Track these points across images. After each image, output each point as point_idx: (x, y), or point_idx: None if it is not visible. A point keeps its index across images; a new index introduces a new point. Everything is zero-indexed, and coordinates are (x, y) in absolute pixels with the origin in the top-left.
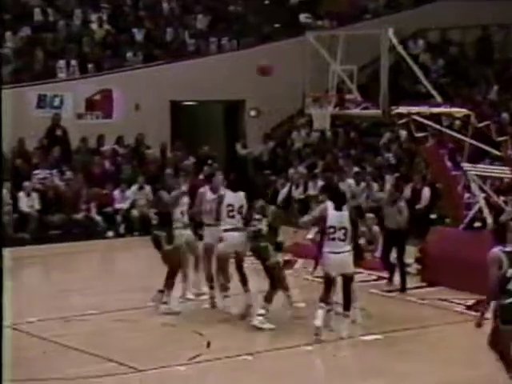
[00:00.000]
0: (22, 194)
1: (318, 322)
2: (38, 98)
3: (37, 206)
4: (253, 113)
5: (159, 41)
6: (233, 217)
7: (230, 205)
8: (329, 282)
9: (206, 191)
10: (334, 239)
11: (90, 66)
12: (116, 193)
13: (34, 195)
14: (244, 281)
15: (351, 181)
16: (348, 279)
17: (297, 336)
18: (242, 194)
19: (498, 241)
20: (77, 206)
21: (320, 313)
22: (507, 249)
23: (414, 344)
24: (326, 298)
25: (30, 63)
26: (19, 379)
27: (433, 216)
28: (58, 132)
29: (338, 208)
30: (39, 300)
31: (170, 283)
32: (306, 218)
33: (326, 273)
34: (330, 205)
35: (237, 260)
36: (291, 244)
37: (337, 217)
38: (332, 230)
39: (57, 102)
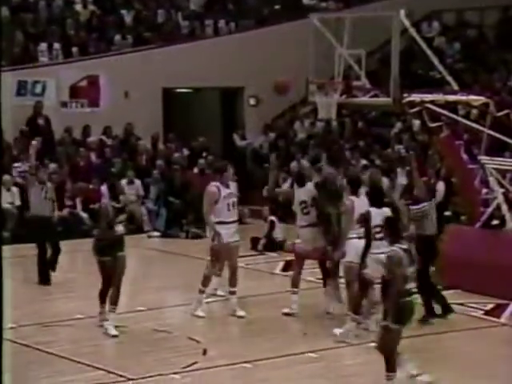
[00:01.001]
0: (1, 189)
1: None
2: (17, 85)
3: (17, 202)
4: (252, 101)
5: (150, 23)
6: (308, 213)
7: (303, 201)
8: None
9: (219, 188)
10: (381, 239)
11: (74, 49)
12: (103, 188)
13: (14, 190)
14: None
15: None
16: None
17: (299, 342)
18: (310, 186)
19: None
20: (61, 202)
21: (351, 327)
22: None
23: (427, 352)
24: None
25: (9, 46)
26: None
27: (447, 213)
28: (40, 121)
29: (378, 205)
30: (20, 304)
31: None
32: None
33: (369, 278)
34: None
35: (318, 256)
36: (292, 243)
37: (379, 214)
38: (378, 230)
39: (38, 88)
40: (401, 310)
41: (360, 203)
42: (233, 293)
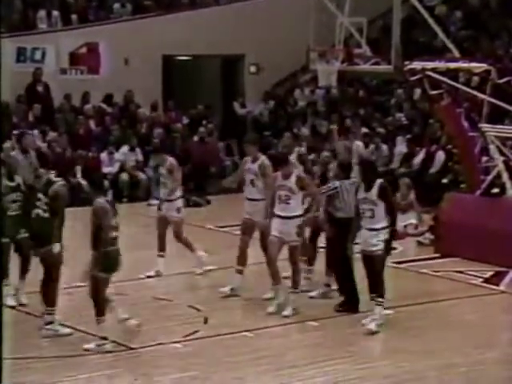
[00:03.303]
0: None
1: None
2: (17, 51)
3: None
4: (252, 69)
5: None
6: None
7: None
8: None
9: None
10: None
11: (73, 17)
12: (103, 155)
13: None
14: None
15: (359, 143)
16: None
17: (300, 311)
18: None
19: None
20: (60, 170)
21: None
22: None
23: (427, 320)
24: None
25: (8, 13)
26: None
27: (445, 180)
28: (39, 88)
29: None
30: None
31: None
32: None
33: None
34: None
35: None
36: None
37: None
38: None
39: (38, 55)
40: (106, 259)
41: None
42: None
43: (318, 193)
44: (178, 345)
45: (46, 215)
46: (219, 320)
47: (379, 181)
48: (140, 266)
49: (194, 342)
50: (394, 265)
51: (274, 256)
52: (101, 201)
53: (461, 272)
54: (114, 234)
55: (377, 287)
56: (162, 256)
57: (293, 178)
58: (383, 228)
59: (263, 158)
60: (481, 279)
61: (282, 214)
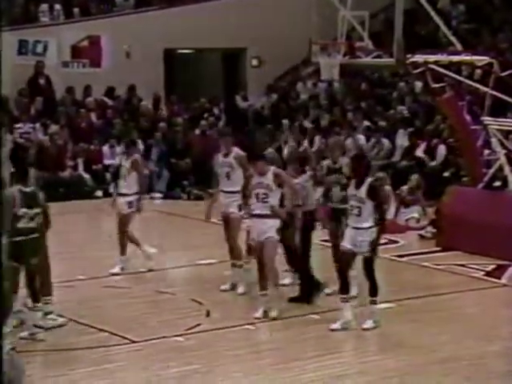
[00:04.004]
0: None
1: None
2: (18, 44)
3: None
4: (254, 62)
5: None
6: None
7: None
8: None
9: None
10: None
11: (75, 10)
12: (105, 148)
13: None
14: None
15: (361, 136)
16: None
17: (301, 304)
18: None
19: None
20: (62, 163)
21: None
22: None
23: (428, 313)
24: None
25: (9, 6)
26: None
27: (447, 174)
28: (41, 81)
29: None
30: None
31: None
32: None
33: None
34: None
35: None
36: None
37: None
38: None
39: (40, 48)
40: (15, 249)
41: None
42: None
43: (296, 186)
44: (180, 338)
45: None
46: (221, 313)
47: (370, 179)
48: (142, 260)
49: (196, 336)
50: (396, 258)
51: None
52: (11, 189)
53: (462, 265)
54: (22, 224)
55: (370, 287)
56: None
57: (270, 175)
58: (369, 228)
59: (236, 150)
60: (482, 272)
61: (261, 212)
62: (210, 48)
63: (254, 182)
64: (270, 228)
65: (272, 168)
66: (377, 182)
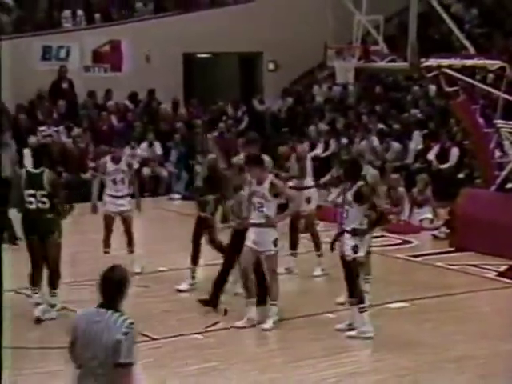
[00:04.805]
0: (27, 151)
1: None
2: (42, 50)
3: None
4: (271, 66)
5: None
6: None
7: None
8: None
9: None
10: None
11: (97, 15)
12: (126, 150)
13: None
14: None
15: (375, 139)
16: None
17: (319, 303)
18: None
19: None
20: (84, 165)
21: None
22: None
23: (442, 313)
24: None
25: (34, 12)
26: (28, 347)
27: (461, 175)
28: (64, 85)
29: None
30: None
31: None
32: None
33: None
34: None
35: None
36: None
37: None
38: None
39: (63, 53)
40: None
41: None
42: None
43: (293, 197)
44: (198, 336)
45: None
46: (239, 312)
47: (359, 183)
48: (161, 259)
49: (215, 334)
50: (410, 258)
51: (246, 267)
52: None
53: (475, 266)
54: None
55: (352, 292)
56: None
57: (266, 184)
58: (353, 230)
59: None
60: (495, 273)
61: (257, 221)
62: (227, 52)
63: (252, 190)
64: (266, 240)
65: (270, 176)
66: (365, 187)
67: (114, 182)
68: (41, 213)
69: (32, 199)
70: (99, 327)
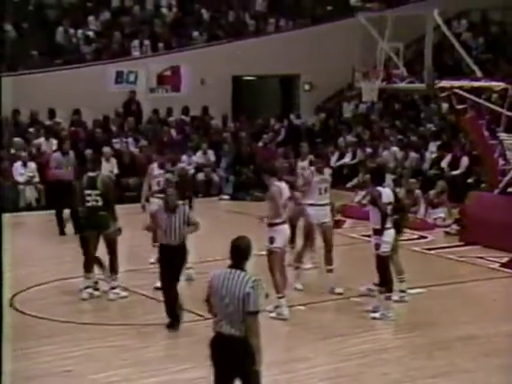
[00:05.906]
0: (101, 160)
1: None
2: (115, 75)
3: (115, 171)
4: (306, 86)
5: (222, 22)
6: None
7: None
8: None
9: (313, 173)
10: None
11: (160, 45)
12: (183, 158)
13: (113, 160)
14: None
15: (396, 148)
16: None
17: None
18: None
19: None
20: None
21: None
22: None
23: (453, 298)
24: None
25: (109, 43)
26: (100, 323)
27: (470, 180)
28: (133, 107)
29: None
30: (119, 254)
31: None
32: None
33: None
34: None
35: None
36: (341, 205)
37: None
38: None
39: (132, 77)
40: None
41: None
42: (330, 271)
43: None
44: None
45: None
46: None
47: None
48: (211, 251)
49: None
50: (426, 251)
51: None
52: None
53: (481, 258)
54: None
55: (382, 282)
56: None
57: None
58: (373, 229)
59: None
60: (498, 264)
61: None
62: (269, 75)
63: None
64: (269, 237)
65: (271, 180)
66: (376, 192)
67: (158, 184)
68: (95, 210)
69: (89, 198)
70: (232, 283)
